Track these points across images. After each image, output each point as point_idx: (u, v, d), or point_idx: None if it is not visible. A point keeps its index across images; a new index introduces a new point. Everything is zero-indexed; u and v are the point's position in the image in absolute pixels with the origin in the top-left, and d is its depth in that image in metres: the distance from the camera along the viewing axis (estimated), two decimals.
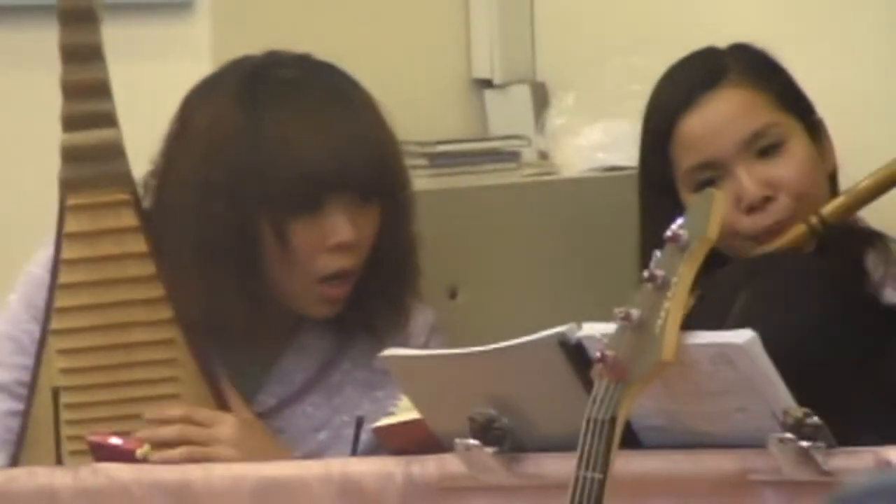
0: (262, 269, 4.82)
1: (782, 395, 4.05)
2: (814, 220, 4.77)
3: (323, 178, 4.77)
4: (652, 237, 4.36)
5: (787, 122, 5.03)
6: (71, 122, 4.66)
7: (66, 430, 4.63)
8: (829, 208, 4.82)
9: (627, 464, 3.98)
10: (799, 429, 3.99)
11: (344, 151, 4.79)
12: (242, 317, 4.80)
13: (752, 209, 4.90)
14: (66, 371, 4.65)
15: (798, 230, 4.81)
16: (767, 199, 4.92)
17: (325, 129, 4.80)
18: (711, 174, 4.93)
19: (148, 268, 4.67)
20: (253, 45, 4.88)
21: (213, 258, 4.78)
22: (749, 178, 4.94)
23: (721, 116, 5.00)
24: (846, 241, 4.93)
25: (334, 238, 4.73)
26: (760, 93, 5.06)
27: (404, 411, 4.39)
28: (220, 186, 4.80)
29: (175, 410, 4.63)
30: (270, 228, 4.78)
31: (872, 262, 4.93)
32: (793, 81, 5.11)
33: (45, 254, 4.80)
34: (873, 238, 4.99)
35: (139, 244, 4.66)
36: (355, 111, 4.85)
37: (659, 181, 5.00)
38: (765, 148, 4.98)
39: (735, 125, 4.99)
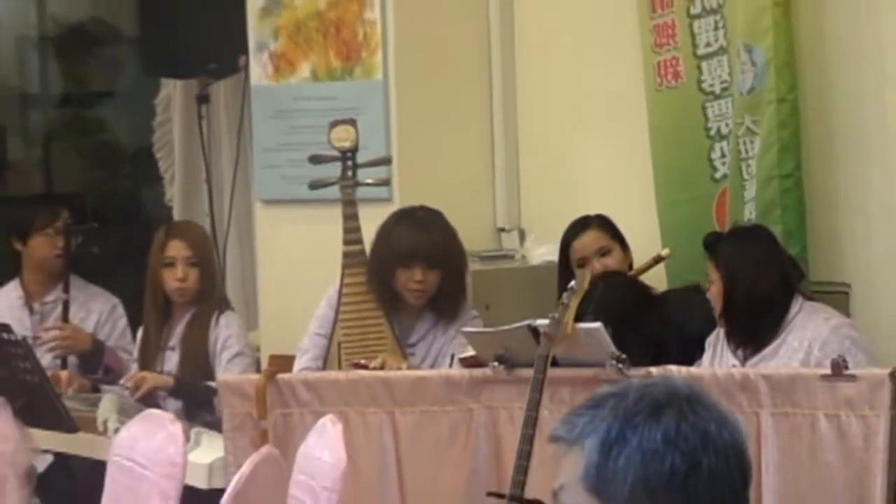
0: (394, 289, 4.43)
1: (611, 346, 3.94)
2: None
3: (413, 255, 4.42)
4: (561, 289, 4.24)
5: (612, 243, 4.67)
6: (347, 241, 4.43)
7: (343, 360, 4.44)
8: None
9: (552, 372, 3.89)
10: (616, 359, 3.91)
11: (421, 245, 4.44)
12: (393, 309, 4.46)
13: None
14: (343, 335, 4.46)
15: None
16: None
17: (421, 237, 4.46)
18: (584, 262, 4.58)
19: (371, 295, 4.46)
20: None
21: (377, 286, 4.44)
22: (598, 265, 4.60)
23: (587, 241, 4.66)
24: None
25: (413, 276, 4.41)
26: (603, 235, 4.68)
27: (469, 351, 4.22)
28: (380, 257, 4.46)
29: (378, 359, 4.33)
30: (395, 273, 4.42)
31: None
32: (615, 225, 4.70)
33: (334, 287, 4.50)
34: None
35: (366, 285, 4.46)
36: (440, 232, 4.50)
37: (564, 267, 4.64)
38: (604, 252, 4.63)
39: (592, 244, 4.64)
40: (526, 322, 4.03)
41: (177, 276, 4.93)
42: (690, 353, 4.28)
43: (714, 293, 4.18)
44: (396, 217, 4.60)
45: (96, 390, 5.07)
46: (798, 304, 4.12)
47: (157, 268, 4.95)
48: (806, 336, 4.07)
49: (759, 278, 4.13)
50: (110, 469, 3.73)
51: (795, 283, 4.19)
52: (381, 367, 4.33)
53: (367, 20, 5.08)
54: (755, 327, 4.14)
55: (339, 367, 4.44)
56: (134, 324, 5.25)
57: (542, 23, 5.24)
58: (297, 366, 4.50)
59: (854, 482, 3.69)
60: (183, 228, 5.18)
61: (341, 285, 4.50)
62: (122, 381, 4.96)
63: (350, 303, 4.49)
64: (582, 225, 4.70)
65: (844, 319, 4.15)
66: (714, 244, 4.23)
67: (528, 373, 3.91)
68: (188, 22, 5.57)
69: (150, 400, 4.76)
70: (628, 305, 4.37)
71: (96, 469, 4.04)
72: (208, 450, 4.36)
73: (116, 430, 4.27)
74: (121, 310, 5.36)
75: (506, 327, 4.11)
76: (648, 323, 4.32)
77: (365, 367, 4.33)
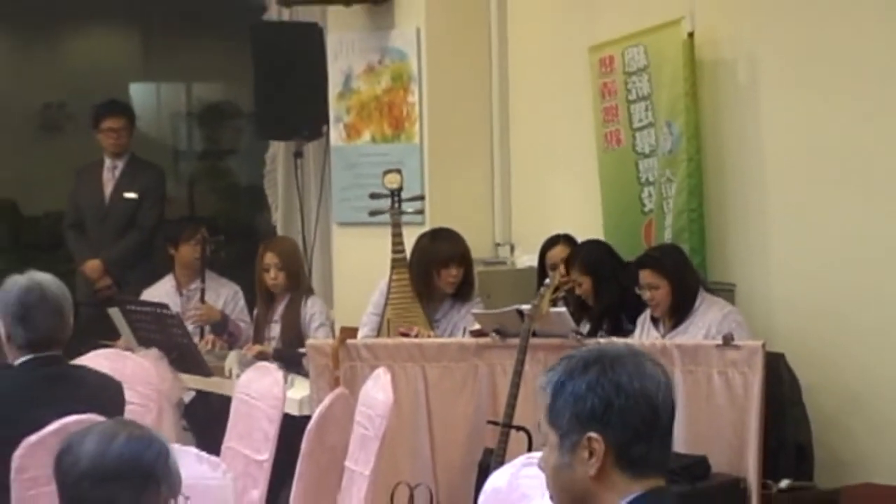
0: (435, 283, 4.36)
1: (572, 324, 3.96)
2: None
3: (449, 259, 4.36)
4: (538, 285, 4.10)
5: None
6: (394, 251, 4.30)
7: (391, 331, 4.33)
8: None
9: (532, 341, 3.86)
10: (576, 332, 3.94)
11: (455, 253, 4.38)
12: (426, 296, 4.35)
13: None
14: (391, 314, 4.37)
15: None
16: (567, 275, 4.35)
17: (454, 246, 4.41)
18: (554, 266, 4.32)
19: (411, 287, 4.34)
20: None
21: (419, 282, 4.35)
22: (563, 268, 4.42)
23: (557, 252, 4.46)
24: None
25: (451, 273, 4.36)
26: (568, 247, 4.46)
27: (475, 326, 4.16)
28: (420, 262, 4.37)
29: (415, 328, 4.26)
30: (435, 272, 4.36)
31: None
32: (577, 241, 4.43)
33: (384, 281, 4.40)
34: None
35: (408, 279, 4.35)
36: (462, 243, 4.43)
37: (541, 269, 4.44)
38: (567, 261, 4.37)
39: (560, 254, 4.43)
40: (515, 306, 4.01)
41: (270, 277, 4.93)
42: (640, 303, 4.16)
43: (661, 295, 4.02)
44: (430, 236, 4.53)
45: (230, 347, 5.05)
46: (702, 296, 4.09)
47: (260, 270, 4.95)
48: (707, 320, 4.01)
49: (692, 282, 4.09)
50: (234, 402, 3.73)
51: (702, 283, 4.16)
52: (417, 333, 4.28)
53: (409, 102, 5.10)
54: (683, 314, 4.06)
55: (388, 336, 4.40)
56: (249, 305, 5.23)
57: (529, 102, 5.20)
58: (360, 334, 4.45)
59: (737, 419, 3.70)
60: (276, 243, 5.09)
61: (390, 280, 4.45)
62: (243, 350, 4.92)
63: (396, 292, 4.44)
64: (554, 240, 4.62)
65: (733, 308, 4.11)
66: (653, 261, 4.06)
67: (516, 341, 3.89)
68: (288, 102, 5.54)
69: (262, 357, 4.73)
70: (605, 260, 4.28)
71: (224, 401, 4.03)
72: (300, 389, 4.32)
73: (238, 376, 4.22)
74: (240, 294, 5.33)
75: (501, 310, 4.09)
76: (618, 275, 4.22)
77: (406, 334, 4.28)
